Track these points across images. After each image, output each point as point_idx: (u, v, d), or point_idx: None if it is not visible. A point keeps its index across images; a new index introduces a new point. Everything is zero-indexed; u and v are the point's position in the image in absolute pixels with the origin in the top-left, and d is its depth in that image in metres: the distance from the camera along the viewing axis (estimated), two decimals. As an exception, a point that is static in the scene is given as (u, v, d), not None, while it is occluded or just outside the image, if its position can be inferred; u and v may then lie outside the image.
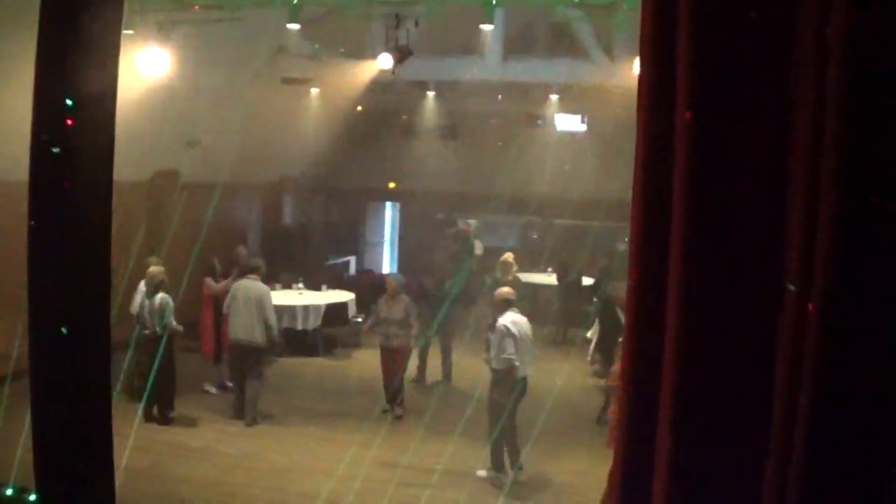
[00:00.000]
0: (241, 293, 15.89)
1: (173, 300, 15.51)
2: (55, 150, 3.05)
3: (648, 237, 4.35)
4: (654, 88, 4.30)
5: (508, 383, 13.22)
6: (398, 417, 16.26)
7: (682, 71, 4.14)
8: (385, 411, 16.36)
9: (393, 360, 16.47)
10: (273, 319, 15.97)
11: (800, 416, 4.03)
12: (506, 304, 13.65)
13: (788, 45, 4.10)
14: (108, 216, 3.25)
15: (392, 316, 16.31)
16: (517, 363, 13.17)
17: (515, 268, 19.65)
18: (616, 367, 11.96)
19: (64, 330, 3.13)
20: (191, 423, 15.80)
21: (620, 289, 15.76)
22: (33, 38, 3.61)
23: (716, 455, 4.22)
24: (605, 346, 16.89)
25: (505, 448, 13.45)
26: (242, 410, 15.83)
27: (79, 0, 3.07)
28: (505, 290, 14.12)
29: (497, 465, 13.48)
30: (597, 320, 18.89)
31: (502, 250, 26.46)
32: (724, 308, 4.11)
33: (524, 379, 13.48)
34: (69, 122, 3.05)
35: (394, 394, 16.43)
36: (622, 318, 15.63)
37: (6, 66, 11.66)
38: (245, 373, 15.85)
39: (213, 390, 17.56)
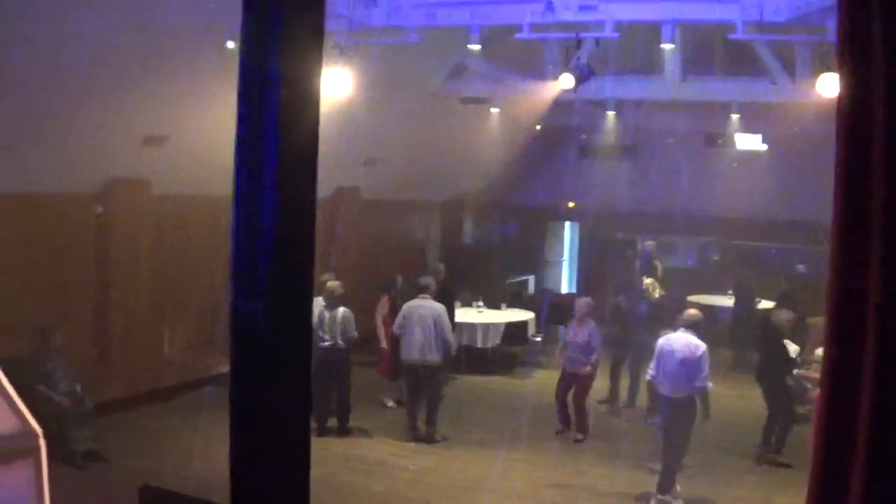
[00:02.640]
0: (416, 313, 15.89)
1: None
2: (258, 168, 3.11)
3: (848, 265, 4.25)
4: (853, 109, 4.22)
5: (682, 407, 13.13)
6: (577, 441, 16.10)
7: (880, 90, 4.05)
8: (558, 433, 16.31)
9: (570, 383, 16.37)
10: (451, 338, 16.03)
11: None
12: (688, 324, 13.49)
13: None
14: (311, 232, 3.31)
15: (576, 339, 16.23)
16: (658, 383, 13.39)
17: (660, 291, 19.40)
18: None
19: (265, 342, 3.19)
20: (366, 436, 15.97)
21: (783, 315, 15.49)
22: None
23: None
24: (765, 376, 15.91)
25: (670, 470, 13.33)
26: (416, 431, 15.87)
27: (279, 23, 3.11)
28: (692, 311, 13.90)
29: (662, 488, 13.28)
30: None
31: (682, 271, 26.30)
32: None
33: (693, 402, 13.23)
34: (273, 140, 3.11)
35: (568, 416, 16.33)
36: (788, 347, 15.24)
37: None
38: (421, 393, 15.93)
39: (391, 403, 17.71)
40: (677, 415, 13.12)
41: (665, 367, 13.24)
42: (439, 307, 16.15)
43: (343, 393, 15.84)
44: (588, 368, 16.27)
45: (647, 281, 19.67)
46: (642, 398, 17.28)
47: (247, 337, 3.26)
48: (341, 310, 15.57)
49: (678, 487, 13.30)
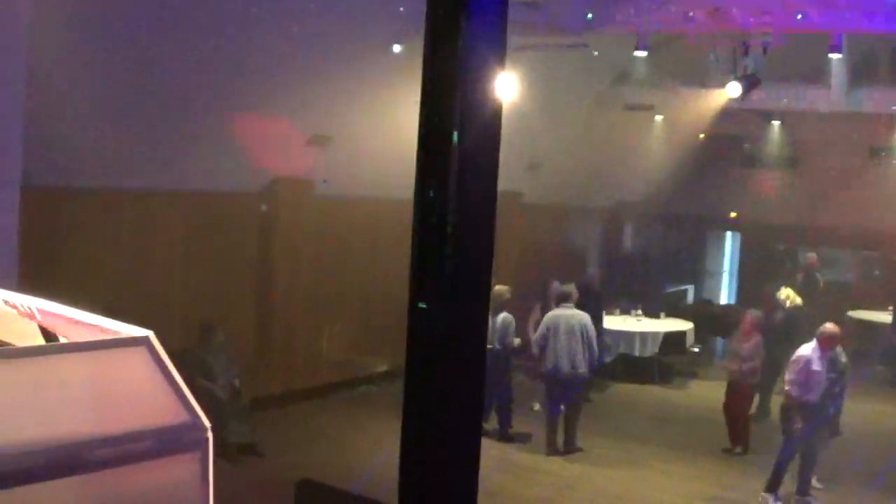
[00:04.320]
0: (562, 322, 15.60)
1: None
2: (440, 171, 3.14)
3: None
4: None
5: (790, 411, 13.45)
6: (737, 454, 15.89)
7: None
8: (726, 450, 16.04)
9: (740, 395, 16.15)
10: (596, 347, 15.82)
11: None
12: (827, 340, 13.52)
13: None
14: (492, 236, 3.33)
15: (741, 352, 16.04)
16: (794, 393, 13.32)
17: (791, 302, 19.03)
18: None
19: (442, 344, 3.21)
20: (522, 440, 15.94)
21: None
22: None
23: None
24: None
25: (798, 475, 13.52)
26: (553, 445, 15.62)
27: (463, 27, 3.14)
28: (829, 325, 13.78)
29: (771, 487, 13.47)
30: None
31: (843, 284, 25.88)
32: None
33: (824, 413, 13.63)
34: (454, 143, 3.14)
35: (738, 432, 16.12)
36: None
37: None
38: (565, 403, 15.73)
39: (537, 407, 17.68)
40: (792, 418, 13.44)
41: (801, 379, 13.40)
42: (585, 316, 15.83)
43: (502, 398, 15.80)
44: (755, 380, 16.16)
45: (785, 291, 19.36)
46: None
47: (424, 338, 3.28)
48: (502, 315, 15.56)
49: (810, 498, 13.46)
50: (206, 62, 12.97)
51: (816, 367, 13.24)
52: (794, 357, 13.56)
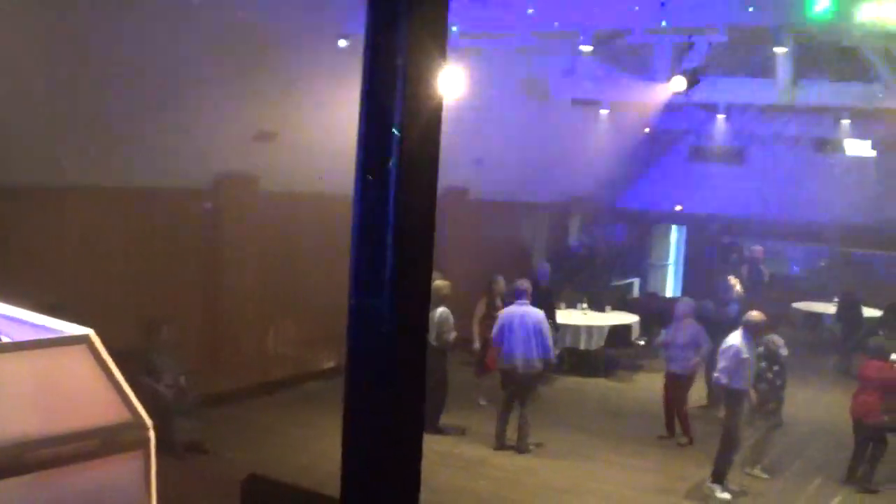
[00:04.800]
0: (516, 319, 15.62)
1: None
2: (380, 166, 3.15)
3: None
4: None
5: (734, 402, 13.66)
6: (682, 444, 16.09)
7: None
8: (661, 437, 16.30)
9: (674, 385, 16.42)
10: (551, 344, 15.89)
11: None
12: (754, 327, 13.81)
13: None
14: (432, 231, 3.33)
15: (677, 340, 16.26)
16: (724, 382, 13.54)
17: (737, 289, 19.29)
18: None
19: (383, 339, 3.22)
20: (463, 434, 16.05)
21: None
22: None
23: None
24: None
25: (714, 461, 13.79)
26: (503, 439, 15.65)
27: (404, 23, 3.14)
28: (754, 313, 14.02)
29: (716, 478, 13.66)
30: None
31: (788, 277, 26.16)
32: None
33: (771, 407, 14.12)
34: (395, 139, 3.14)
35: (673, 420, 16.34)
36: None
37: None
38: (517, 399, 15.73)
39: (483, 402, 17.82)
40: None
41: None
42: (539, 313, 15.88)
43: (435, 392, 15.77)
44: (689, 370, 16.39)
45: (732, 281, 19.59)
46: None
47: (365, 333, 3.29)
48: (439, 310, 15.56)
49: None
50: (149, 57, 12.90)
51: (745, 354, 13.47)
52: (723, 346, 13.80)
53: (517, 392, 15.63)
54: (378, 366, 3.27)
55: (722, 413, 14.31)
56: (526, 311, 15.69)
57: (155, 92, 13.55)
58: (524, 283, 16.28)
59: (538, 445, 15.63)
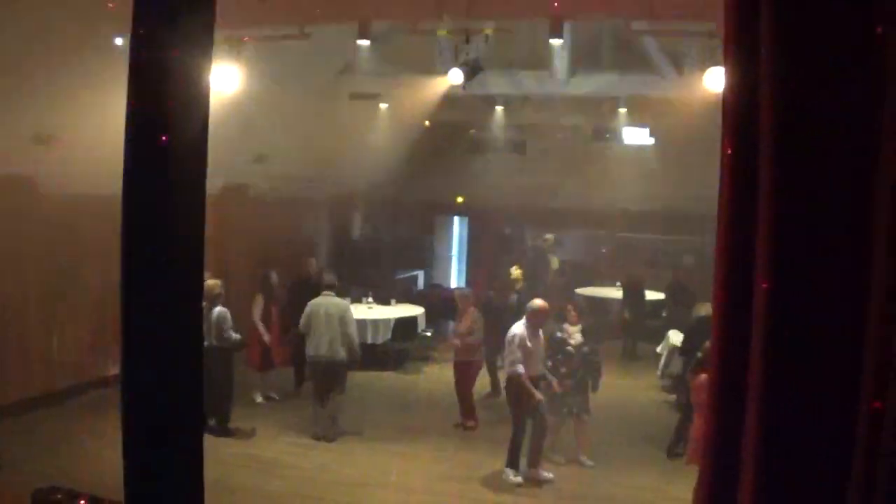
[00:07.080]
0: (322, 310, 15.78)
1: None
2: (147, 165, 3.09)
3: (734, 254, 4.33)
4: (738, 103, 4.29)
5: (515, 388, 13.86)
6: (469, 429, 16.42)
7: (766, 83, 4.12)
8: (457, 425, 16.51)
9: (461, 372, 16.73)
10: (356, 335, 15.98)
11: (886, 438, 3.96)
12: (534, 315, 14.08)
13: (874, 53, 4.06)
14: (202, 230, 3.29)
15: (461, 329, 16.59)
16: (521, 371, 13.67)
17: (520, 283, 19.89)
18: (698, 380, 11.64)
19: (157, 341, 3.17)
20: (252, 434, 15.95)
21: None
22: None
23: (804, 471, 4.18)
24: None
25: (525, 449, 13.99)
26: (323, 427, 15.78)
27: (170, 20, 3.08)
28: (536, 301, 14.32)
29: (510, 463, 13.93)
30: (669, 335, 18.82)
31: (577, 264, 26.61)
32: (812, 321, 4.09)
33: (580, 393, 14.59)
34: (163, 138, 3.09)
35: (465, 406, 16.52)
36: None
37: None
38: (327, 389, 15.83)
39: (259, 399, 17.84)
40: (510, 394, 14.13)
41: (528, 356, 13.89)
42: (344, 304, 16.16)
43: (223, 393, 15.62)
44: (478, 355, 16.90)
45: (515, 273, 19.96)
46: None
47: (137, 337, 3.24)
48: (217, 310, 15.42)
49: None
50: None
51: (530, 343, 13.76)
52: (507, 336, 14.00)
53: (324, 383, 15.82)
54: (153, 367, 3.22)
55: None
56: (330, 302, 15.88)
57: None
58: (330, 276, 16.65)
59: (341, 434, 15.82)
